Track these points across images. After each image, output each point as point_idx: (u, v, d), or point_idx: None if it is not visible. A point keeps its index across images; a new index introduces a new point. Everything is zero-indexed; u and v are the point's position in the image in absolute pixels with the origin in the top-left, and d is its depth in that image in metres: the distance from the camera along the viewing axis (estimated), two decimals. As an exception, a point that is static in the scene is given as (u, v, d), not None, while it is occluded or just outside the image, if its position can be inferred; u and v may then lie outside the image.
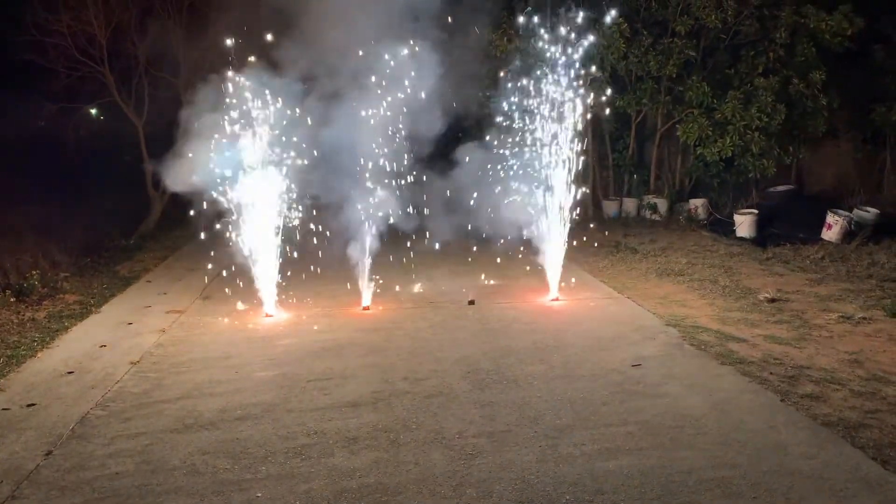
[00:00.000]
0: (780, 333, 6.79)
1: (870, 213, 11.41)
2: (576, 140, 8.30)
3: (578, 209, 8.79)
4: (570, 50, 8.19)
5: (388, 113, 7.94)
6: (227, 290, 9.03)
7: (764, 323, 7.16)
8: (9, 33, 12.49)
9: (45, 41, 12.42)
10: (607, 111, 12.97)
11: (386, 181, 8.19)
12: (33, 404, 5.48)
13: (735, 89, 12.70)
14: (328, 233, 8.60)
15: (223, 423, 5.07)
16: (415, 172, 8.61)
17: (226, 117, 7.68)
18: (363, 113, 7.86)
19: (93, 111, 14.59)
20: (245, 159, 7.71)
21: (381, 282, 8.51)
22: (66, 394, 5.68)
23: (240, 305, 8.27)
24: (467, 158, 8.92)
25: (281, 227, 8.04)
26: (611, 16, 11.79)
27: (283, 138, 7.85)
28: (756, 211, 12.13)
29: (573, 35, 8.21)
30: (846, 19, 12.33)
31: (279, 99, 7.70)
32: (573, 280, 8.94)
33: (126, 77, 13.63)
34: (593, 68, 8.69)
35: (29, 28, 12.27)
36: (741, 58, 13.11)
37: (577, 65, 8.21)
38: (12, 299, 8.33)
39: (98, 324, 7.77)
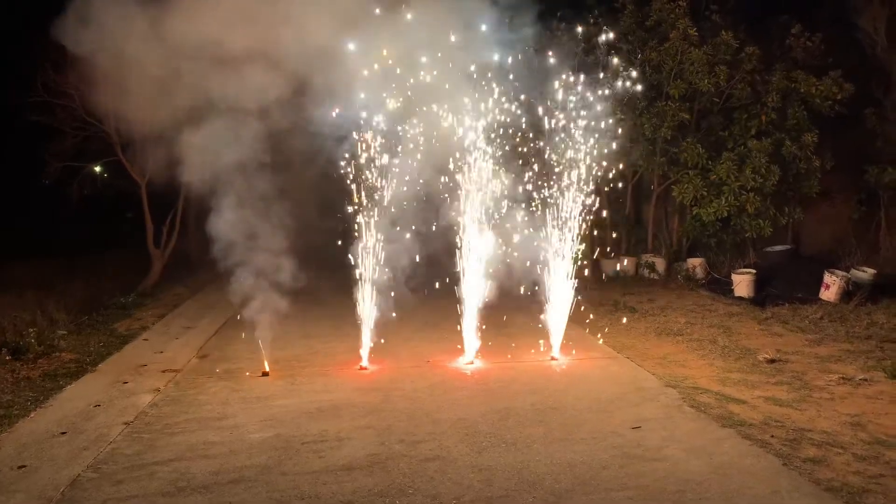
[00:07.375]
0: (781, 395, 6.73)
1: (866, 273, 11.43)
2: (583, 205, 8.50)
3: (577, 269, 8.82)
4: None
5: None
6: (224, 348, 8.99)
7: (764, 384, 7.11)
8: (19, 94, 12.76)
9: (54, 102, 12.69)
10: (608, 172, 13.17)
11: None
12: (24, 466, 5.40)
13: (729, 151, 12.94)
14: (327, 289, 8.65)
15: (216, 486, 4.99)
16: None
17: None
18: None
19: (97, 169, 14.78)
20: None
21: (380, 340, 8.46)
22: (57, 455, 5.60)
23: (236, 365, 8.22)
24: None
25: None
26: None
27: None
28: (754, 271, 12.15)
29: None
30: (835, 84, 12.70)
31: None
32: (572, 339, 8.89)
33: (130, 136, 13.83)
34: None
35: (38, 90, 12.55)
36: (734, 120, 13.40)
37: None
38: (8, 357, 8.28)
39: (93, 383, 7.71)
